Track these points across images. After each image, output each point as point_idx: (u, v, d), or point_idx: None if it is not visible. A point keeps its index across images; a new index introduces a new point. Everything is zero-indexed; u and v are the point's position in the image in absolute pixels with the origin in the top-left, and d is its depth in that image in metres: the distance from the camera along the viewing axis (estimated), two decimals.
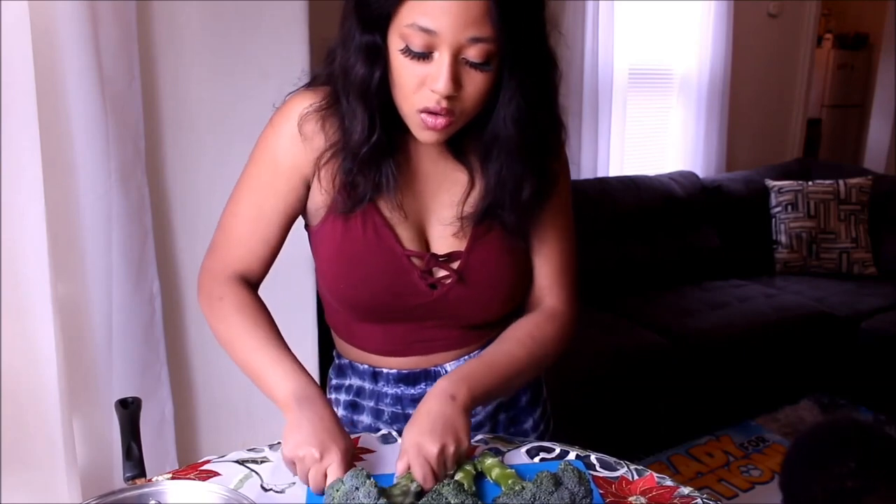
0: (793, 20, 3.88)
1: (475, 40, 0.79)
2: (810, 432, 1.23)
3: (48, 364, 1.47)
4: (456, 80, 0.81)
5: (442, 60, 0.80)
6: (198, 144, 1.76)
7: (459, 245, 0.97)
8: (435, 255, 0.97)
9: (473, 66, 0.81)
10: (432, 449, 0.82)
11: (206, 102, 1.75)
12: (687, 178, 3.34)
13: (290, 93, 0.96)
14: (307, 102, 0.93)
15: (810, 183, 3.40)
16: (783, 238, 3.37)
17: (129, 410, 1.00)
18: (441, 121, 0.83)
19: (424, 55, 0.80)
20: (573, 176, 3.29)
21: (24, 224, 1.42)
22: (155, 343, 1.72)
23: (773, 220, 3.41)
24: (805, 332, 2.87)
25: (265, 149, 0.97)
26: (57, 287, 1.48)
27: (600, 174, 3.17)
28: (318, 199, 0.96)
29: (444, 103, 0.82)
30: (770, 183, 3.44)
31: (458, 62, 0.80)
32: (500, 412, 1.09)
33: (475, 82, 0.83)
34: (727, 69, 3.48)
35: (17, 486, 1.50)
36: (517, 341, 0.97)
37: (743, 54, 3.58)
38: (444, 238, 0.98)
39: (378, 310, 0.99)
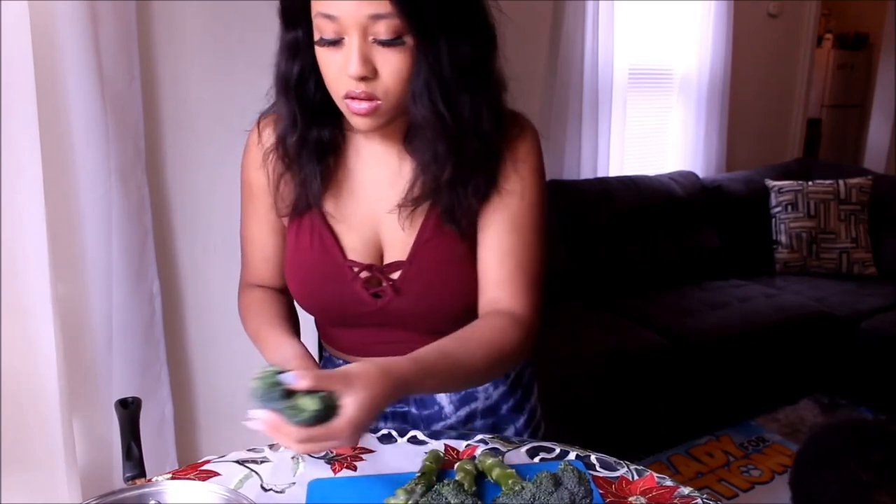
0: (793, 20, 3.88)
1: (377, 17, 0.79)
2: (824, 430, 1.23)
3: (48, 364, 1.47)
4: (367, 61, 0.81)
5: (350, 43, 0.81)
6: (198, 144, 1.76)
7: (406, 254, 0.96)
8: (375, 266, 0.97)
9: (384, 44, 0.81)
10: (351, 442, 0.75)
11: (206, 102, 1.75)
12: (687, 178, 3.34)
13: (263, 112, 1.01)
14: (256, 130, 0.99)
15: (810, 183, 3.40)
16: (783, 238, 3.37)
17: (129, 410, 1.00)
18: (365, 105, 0.83)
19: (336, 41, 0.82)
20: (573, 176, 3.25)
21: (24, 224, 1.42)
22: (155, 343, 1.72)
23: (773, 220, 3.41)
24: (805, 332, 2.87)
25: (242, 177, 1.04)
26: (57, 287, 1.48)
27: (600, 174, 3.17)
28: (283, 210, 1.01)
29: (361, 86, 0.82)
30: (770, 183, 3.44)
31: (367, 43, 0.81)
32: (477, 419, 1.09)
33: (390, 61, 0.82)
34: (727, 69, 3.48)
35: (17, 486, 1.50)
36: (484, 353, 0.88)
37: (743, 54, 3.58)
38: (395, 246, 0.97)
39: (330, 316, 1.03)
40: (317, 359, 0.98)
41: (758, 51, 3.75)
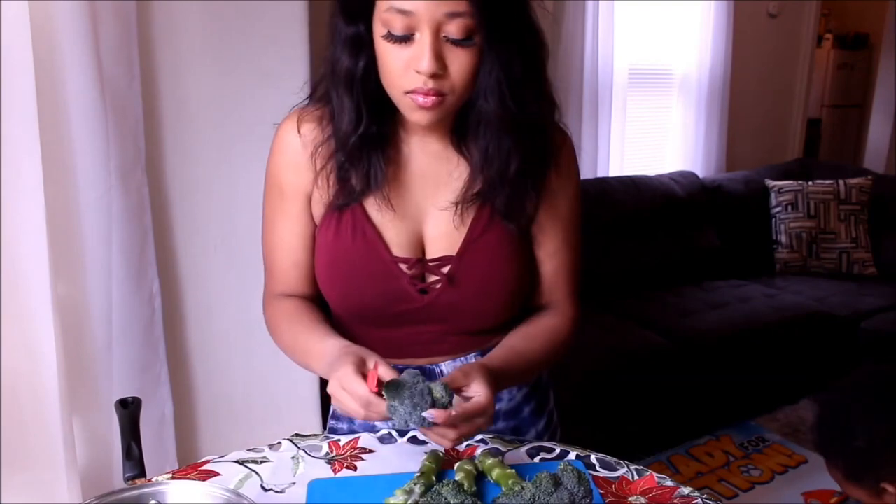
0: (793, 20, 3.88)
1: (453, 15, 0.80)
2: (865, 374, 1.20)
3: (48, 364, 1.47)
4: (439, 58, 0.82)
5: (423, 40, 0.81)
6: (198, 144, 1.76)
7: (454, 249, 0.96)
8: (424, 260, 0.97)
9: (456, 43, 0.82)
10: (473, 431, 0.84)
11: (206, 102, 1.75)
12: (687, 178, 3.34)
13: (299, 107, 0.99)
14: (294, 126, 0.96)
15: (810, 183, 3.40)
16: (783, 238, 3.37)
17: (129, 410, 1.00)
18: (431, 99, 0.84)
19: (406, 38, 0.82)
20: None
21: (24, 224, 1.42)
22: (155, 343, 1.72)
23: (773, 220, 3.41)
24: (805, 332, 2.87)
25: (269, 180, 1.01)
26: (57, 287, 1.48)
27: (600, 174, 3.17)
28: (319, 205, 0.99)
29: (430, 84, 0.83)
30: (770, 183, 3.44)
31: (439, 41, 0.81)
32: (499, 420, 1.08)
33: (460, 59, 0.83)
34: (727, 69, 3.48)
35: (17, 486, 1.49)
36: (544, 348, 0.99)
37: (743, 54, 3.58)
38: (440, 241, 0.97)
39: (370, 315, 1.00)
40: None
41: (758, 51, 3.75)
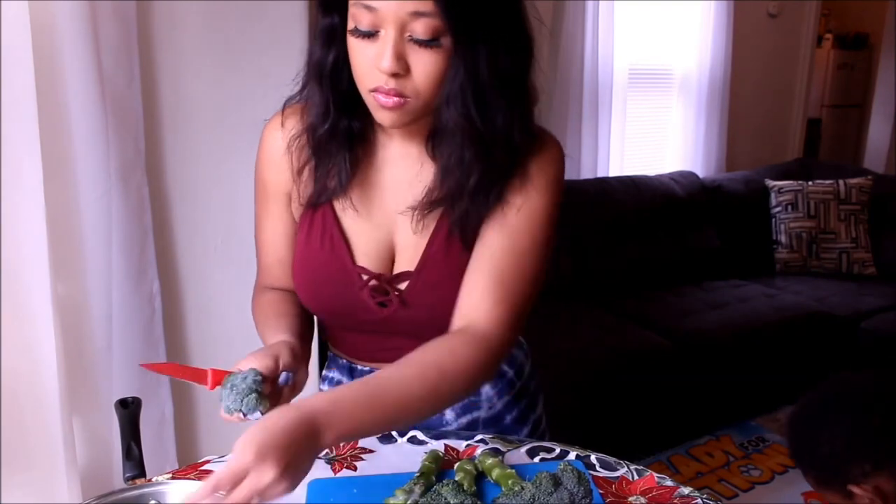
0: (793, 20, 3.88)
1: (417, 15, 0.77)
2: (829, 384, 1.21)
3: (48, 364, 1.47)
4: (400, 57, 0.79)
5: (386, 38, 0.79)
6: (198, 144, 1.76)
7: (415, 263, 0.94)
8: (384, 276, 0.95)
9: (421, 43, 0.79)
10: (266, 478, 0.68)
11: (206, 102, 1.75)
12: (687, 178, 3.34)
13: (289, 98, 0.97)
14: (277, 124, 0.96)
15: (810, 183, 3.40)
16: (783, 238, 3.37)
17: (129, 410, 1.00)
18: (392, 99, 0.81)
19: (371, 34, 0.80)
20: (573, 176, 3.25)
21: (24, 224, 1.42)
22: (155, 343, 1.72)
23: (773, 220, 3.41)
24: (805, 332, 2.87)
25: (256, 178, 1.02)
26: (57, 287, 1.48)
27: (600, 174, 3.17)
28: (296, 204, 0.99)
29: (391, 83, 0.80)
30: (770, 183, 3.44)
31: (403, 40, 0.79)
32: (479, 428, 1.07)
33: (423, 61, 0.80)
34: (727, 69, 3.48)
35: (17, 486, 1.50)
36: (419, 375, 0.81)
37: (743, 54, 3.58)
38: (406, 252, 0.95)
39: (336, 320, 1.01)
40: (316, 358, 0.97)
41: (758, 51, 3.75)
